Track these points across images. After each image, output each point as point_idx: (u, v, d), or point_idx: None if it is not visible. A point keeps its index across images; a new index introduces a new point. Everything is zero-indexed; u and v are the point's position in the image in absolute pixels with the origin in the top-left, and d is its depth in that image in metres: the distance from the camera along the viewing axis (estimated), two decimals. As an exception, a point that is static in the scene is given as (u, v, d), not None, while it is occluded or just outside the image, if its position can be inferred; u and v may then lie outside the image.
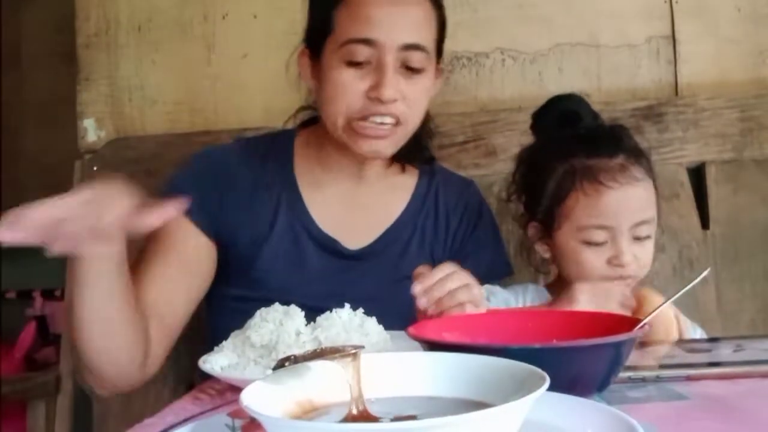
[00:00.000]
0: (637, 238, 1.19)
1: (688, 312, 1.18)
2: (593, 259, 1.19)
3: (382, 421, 0.56)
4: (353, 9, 1.14)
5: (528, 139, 1.32)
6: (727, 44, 1.73)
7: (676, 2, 1.72)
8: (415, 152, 1.30)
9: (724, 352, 0.97)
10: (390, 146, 1.18)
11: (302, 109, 1.32)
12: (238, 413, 0.65)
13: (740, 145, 1.65)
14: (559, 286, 1.24)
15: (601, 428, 0.56)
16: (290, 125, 1.35)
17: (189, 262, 1.19)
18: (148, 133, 1.79)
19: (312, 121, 1.30)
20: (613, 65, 1.73)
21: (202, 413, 0.74)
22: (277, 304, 0.90)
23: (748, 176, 1.63)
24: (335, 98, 1.15)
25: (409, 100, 1.15)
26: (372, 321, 0.91)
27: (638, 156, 1.23)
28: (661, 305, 0.92)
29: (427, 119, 1.28)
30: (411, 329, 0.82)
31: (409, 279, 1.04)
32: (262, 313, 0.89)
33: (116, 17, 1.81)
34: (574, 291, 1.12)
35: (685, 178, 1.64)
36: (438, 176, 1.35)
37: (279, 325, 0.87)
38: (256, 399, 0.54)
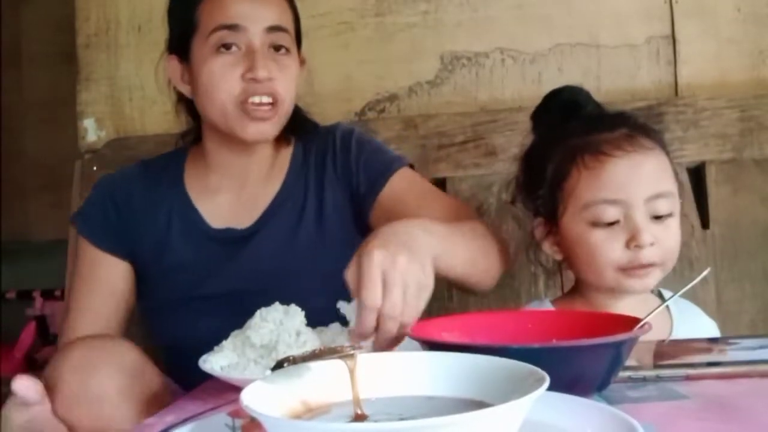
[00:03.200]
0: (657, 217, 1.04)
1: (688, 312, 1.18)
2: (607, 244, 1.04)
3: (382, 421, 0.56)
4: (216, 2, 1.22)
5: (527, 138, 1.30)
6: (727, 44, 1.73)
7: (676, 2, 1.72)
8: (291, 129, 1.33)
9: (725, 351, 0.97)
10: (273, 127, 1.24)
11: (187, 133, 1.39)
12: (238, 413, 0.65)
13: (740, 145, 1.65)
14: (571, 297, 1.17)
15: (601, 428, 0.56)
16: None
17: (110, 286, 1.29)
18: (148, 133, 1.79)
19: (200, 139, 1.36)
20: (613, 65, 1.73)
21: (202, 413, 0.74)
22: (277, 304, 0.90)
23: (748, 176, 1.63)
24: (214, 87, 1.21)
25: (280, 81, 1.22)
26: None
27: (645, 128, 1.10)
28: (661, 305, 0.92)
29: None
30: (411, 329, 0.82)
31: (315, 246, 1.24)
32: (262, 313, 0.89)
33: (116, 17, 1.81)
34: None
35: (685, 178, 1.63)
36: (312, 137, 1.36)
37: (279, 324, 0.87)
38: (256, 399, 0.54)
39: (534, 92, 1.70)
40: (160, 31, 1.35)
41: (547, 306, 1.17)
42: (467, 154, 1.67)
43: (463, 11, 1.74)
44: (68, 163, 1.81)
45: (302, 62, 1.31)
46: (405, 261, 0.82)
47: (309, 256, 1.26)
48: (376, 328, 0.82)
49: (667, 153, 1.10)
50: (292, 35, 1.27)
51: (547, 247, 1.14)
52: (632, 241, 1.03)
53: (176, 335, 1.28)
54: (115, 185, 1.35)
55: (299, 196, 1.31)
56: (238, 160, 1.30)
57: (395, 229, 0.90)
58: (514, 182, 1.22)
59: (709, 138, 1.65)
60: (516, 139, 1.64)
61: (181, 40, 1.26)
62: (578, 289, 1.17)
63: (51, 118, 2.75)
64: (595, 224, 1.05)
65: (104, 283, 1.29)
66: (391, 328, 0.82)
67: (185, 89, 1.28)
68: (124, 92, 1.81)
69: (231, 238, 1.28)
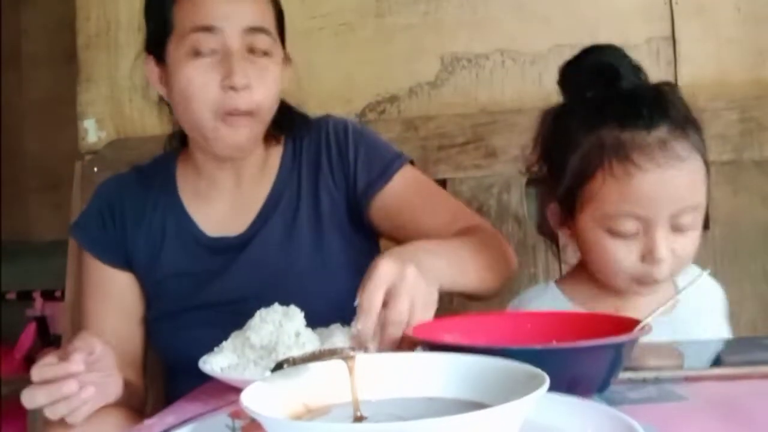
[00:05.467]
0: (679, 229, 1.00)
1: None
2: (622, 255, 1.01)
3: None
4: (190, 1, 1.16)
5: (526, 139, 1.27)
6: (727, 45, 1.72)
7: (676, 3, 1.72)
8: (280, 126, 1.28)
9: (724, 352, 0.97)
10: (249, 140, 1.19)
11: (173, 136, 1.35)
12: (239, 414, 0.65)
13: (740, 146, 1.64)
14: (578, 276, 1.13)
15: (601, 429, 0.56)
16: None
17: (120, 299, 1.27)
18: (149, 133, 1.79)
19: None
20: (613, 66, 1.73)
21: (202, 414, 0.74)
22: (276, 305, 0.90)
23: (748, 177, 1.63)
24: (190, 95, 1.15)
25: (259, 88, 1.16)
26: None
27: (685, 126, 1.02)
28: (660, 306, 0.92)
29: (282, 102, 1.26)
30: (411, 331, 0.82)
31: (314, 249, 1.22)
32: (261, 314, 0.89)
33: (117, 17, 1.81)
34: None
35: (685, 178, 1.63)
36: (303, 133, 1.31)
37: (278, 326, 0.87)
38: (256, 400, 0.54)
39: (534, 93, 1.70)
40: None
41: (552, 288, 1.14)
42: (467, 156, 1.67)
43: (463, 12, 1.74)
44: (68, 164, 1.81)
45: (287, 61, 1.26)
46: (414, 274, 0.84)
47: (305, 258, 1.23)
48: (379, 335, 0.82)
49: (703, 154, 1.03)
50: (275, 35, 1.20)
51: (562, 231, 1.11)
52: (648, 255, 0.99)
53: (176, 346, 1.24)
54: (110, 194, 1.32)
55: (292, 197, 1.27)
56: (226, 167, 1.26)
57: (404, 250, 0.93)
58: (532, 147, 1.13)
59: (709, 139, 1.62)
60: (516, 140, 1.64)
61: (157, 41, 1.21)
62: (585, 267, 1.12)
63: (51, 118, 2.75)
64: (613, 233, 1.01)
65: (114, 298, 1.27)
66: (395, 332, 0.82)
67: (163, 92, 1.23)
68: (125, 93, 1.81)
69: (226, 246, 1.25)
